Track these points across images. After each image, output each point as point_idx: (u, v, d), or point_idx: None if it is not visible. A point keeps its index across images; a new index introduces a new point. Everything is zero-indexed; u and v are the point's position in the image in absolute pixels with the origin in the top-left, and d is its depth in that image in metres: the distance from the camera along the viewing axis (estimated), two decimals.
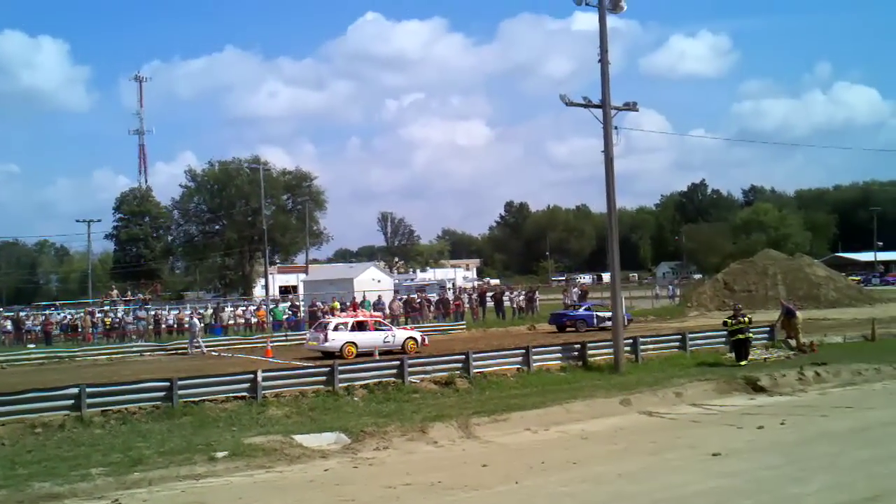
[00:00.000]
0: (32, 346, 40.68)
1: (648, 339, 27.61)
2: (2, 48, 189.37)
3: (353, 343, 30.19)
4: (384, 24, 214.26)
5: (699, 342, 27.88)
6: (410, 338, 31.77)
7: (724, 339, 27.40)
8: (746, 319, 25.50)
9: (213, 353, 35.32)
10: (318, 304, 46.97)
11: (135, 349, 37.42)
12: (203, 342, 36.82)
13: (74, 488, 12.68)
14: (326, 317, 37.52)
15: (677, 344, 27.52)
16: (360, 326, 31.30)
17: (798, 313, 28.64)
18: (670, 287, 64.31)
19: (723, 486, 11.73)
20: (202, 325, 39.01)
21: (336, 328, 30.86)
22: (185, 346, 37.23)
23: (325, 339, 30.31)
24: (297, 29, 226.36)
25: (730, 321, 25.55)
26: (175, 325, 45.45)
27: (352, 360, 27.52)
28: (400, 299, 50.72)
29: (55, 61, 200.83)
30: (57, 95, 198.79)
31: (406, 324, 44.85)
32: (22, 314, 48.96)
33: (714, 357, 26.16)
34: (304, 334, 34.94)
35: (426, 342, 32.07)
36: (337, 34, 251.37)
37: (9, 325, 44.65)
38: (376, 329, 31.52)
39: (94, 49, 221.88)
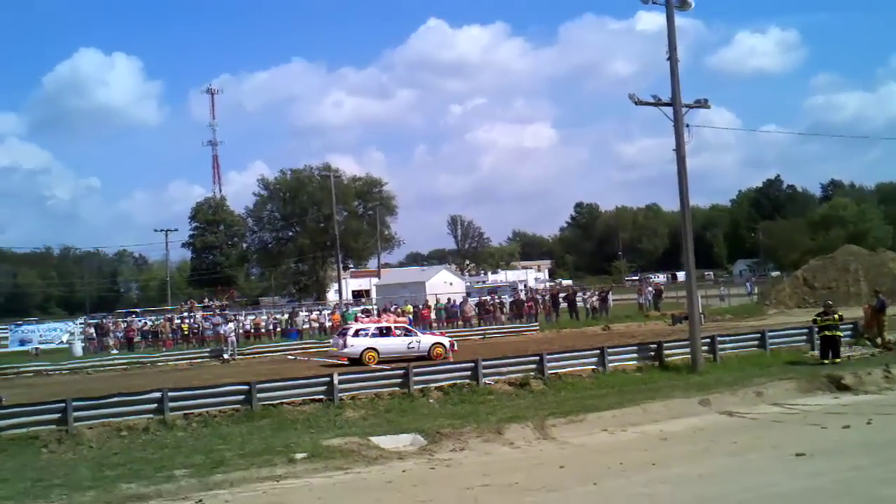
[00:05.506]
0: (115, 351, 41.76)
1: (727, 338, 27.04)
2: (79, 66, 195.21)
3: (374, 349, 29.54)
4: (446, 31, 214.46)
5: (779, 340, 27.19)
6: (438, 343, 30.80)
7: (805, 337, 26.81)
8: (836, 317, 24.76)
9: (290, 357, 35.82)
10: (392, 307, 47.26)
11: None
12: (234, 350, 37.37)
13: (159, 489, 12.98)
14: (351, 322, 37.22)
15: (756, 342, 26.91)
16: (382, 332, 30.80)
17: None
18: (748, 284, 62.88)
19: (808, 487, 11.45)
20: (234, 332, 39.40)
21: (356, 333, 30.40)
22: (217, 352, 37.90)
23: (345, 345, 29.91)
24: (360, 39, 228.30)
25: (818, 318, 24.92)
26: (252, 331, 46.23)
27: (427, 362, 27.41)
28: (473, 301, 50.69)
29: (129, 78, 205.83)
30: (130, 111, 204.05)
31: (479, 326, 44.95)
32: (105, 321, 50.29)
33: (795, 355, 25.55)
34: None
35: (455, 348, 31.02)
36: (399, 42, 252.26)
37: (93, 331, 45.93)
38: (400, 335, 30.84)
39: (165, 65, 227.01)
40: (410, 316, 44.56)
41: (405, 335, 30.94)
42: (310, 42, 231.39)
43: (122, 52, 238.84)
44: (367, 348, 29.57)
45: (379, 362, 28.32)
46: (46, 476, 14.17)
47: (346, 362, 29.33)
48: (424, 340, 30.89)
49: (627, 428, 16.89)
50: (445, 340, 31.59)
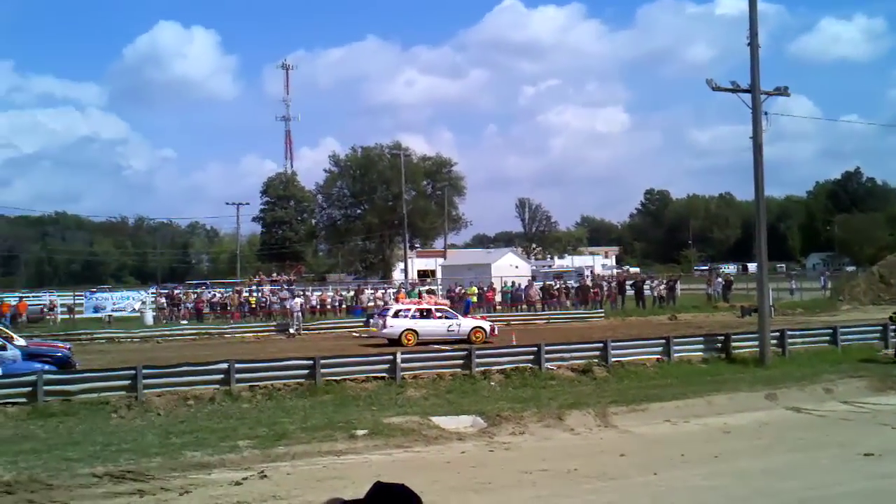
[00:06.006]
0: (185, 322, 42.66)
1: (796, 333, 26.51)
2: (158, 39, 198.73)
3: (414, 331, 29.76)
4: (521, 11, 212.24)
5: (852, 337, 26.50)
6: (477, 327, 30.93)
7: (879, 335, 26.12)
8: None
9: (354, 335, 36.16)
10: (457, 288, 47.35)
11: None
12: (299, 325, 37.86)
13: (223, 459, 13.26)
14: (390, 303, 37.41)
15: (828, 338, 26.28)
16: (422, 314, 30.92)
17: None
18: (822, 278, 61.39)
19: (875, 487, 11.21)
20: (301, 307, 39.96)
21: (396, 315, 30.58)
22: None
23: (384, 326, 30.12)
24: (435, 18, 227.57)
25: (894, 315, 24.26)
26: (318, 306, 46.78)
27: (488, 345, 27.44)
28: (538, 285, 50.47)
29: (206, 51, 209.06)
30: (207, 84, 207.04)
31: (544, 310, 44.80)
32: (176, 292, 51.38)
33: (868, 353, 24.87)
34: None
35: (495, 332, 31.17)
36: (473, 22, 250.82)
37: (164, 301, 46.97)
38: (441, 317, 31.04)
39: (241, 40, 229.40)
40: (474, 298, 44.69)
41: (445, 318, 31.12)
42: (385, 20, 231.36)
43: (201, 25, 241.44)
44: (407, 329, 29.80)
45: (417, 344, 28.48)
46: (115, 441, 14.58)
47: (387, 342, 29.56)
48: (464, 324, 31.04)
49: (690, 419, 16.69)
50: (486, 325, 31.66)
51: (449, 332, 30.22)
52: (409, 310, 31.19)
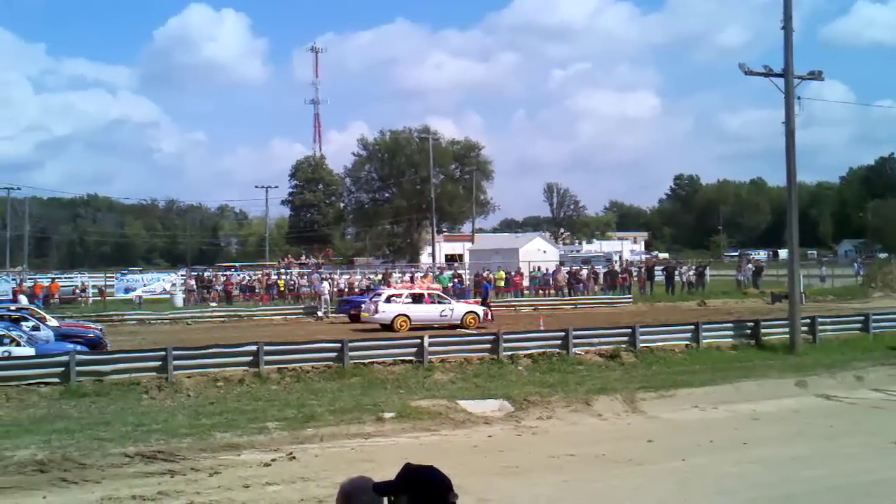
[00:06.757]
0: (214, 304, 42.97)
1: (827, 319, 26.28)
2: (189, 22, 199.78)
3: (407, 316, 29.64)
4: None
5: (884, 324, 26.28)
6: (471, 312, 30.77)
7: None
8: None
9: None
10: (484, 272, 47.32)
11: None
12: (327, 308, 38.06)
13: (252, 440, 13.38)
14: (382, 287, 37.37)
15: (859, 325, 26.08)
16: (415, 299, 30.86)
17: None
18: (856, 265, 60.58)
19: None
20: (329, 290, 40.20)
21: (388, 300, 30.46)
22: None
23: (376, 311, 29.95)
24: (464, 0, 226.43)
25: None
26: (346, 290, 46.92)
27: (518, 329, 27.37)
28: (566, 271, 50.31)
29: (236, 35, 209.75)
30: (237, 67, 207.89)
31: (571, 295, 44.71)
32: (206, 274, 51.74)
33: None
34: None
35: (489, 317, 30.97)
36: (504, 4, 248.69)
37: (194, 283, 47.32)
38: (433, 302, 30.89)
39: (271, 22, 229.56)
40: (501, 283, 44.70)
41: (438, 302, 31.01)
42: (414, 2, 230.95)
43: (231, 8, 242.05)
44: (399, 314, 29.69)
45: (410, 329, 28.35)
46: (146, 421, 14.75)
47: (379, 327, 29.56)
48: (458, 309, 30.96)
49: (719, 406, 16.61)
50: (479, 309, 31.62)
51: (442, 316, 30.13)
52: (401, 295, 31.18)
